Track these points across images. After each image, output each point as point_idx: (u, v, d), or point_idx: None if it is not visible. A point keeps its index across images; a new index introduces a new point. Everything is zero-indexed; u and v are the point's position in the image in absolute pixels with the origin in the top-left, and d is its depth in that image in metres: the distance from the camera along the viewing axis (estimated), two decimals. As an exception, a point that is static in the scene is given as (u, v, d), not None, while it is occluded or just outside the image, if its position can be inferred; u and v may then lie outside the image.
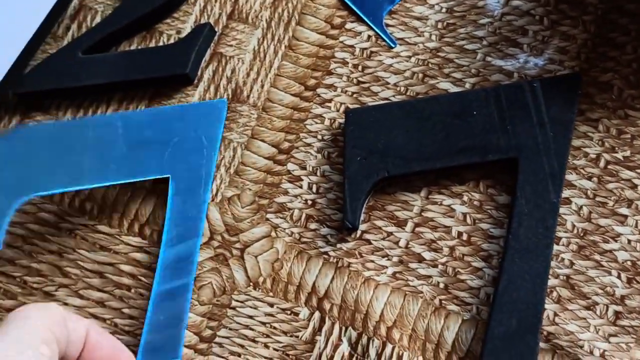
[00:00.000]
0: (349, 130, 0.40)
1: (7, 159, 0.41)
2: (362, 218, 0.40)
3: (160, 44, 0.46)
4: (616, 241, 0.39)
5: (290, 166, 0.43)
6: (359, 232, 0.41)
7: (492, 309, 0.37)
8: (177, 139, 0.41)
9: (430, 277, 0.40)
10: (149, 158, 0.41)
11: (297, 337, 0.40)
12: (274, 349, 0.40)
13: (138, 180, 0.41)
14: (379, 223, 0.41)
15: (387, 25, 0.44)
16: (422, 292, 0.40)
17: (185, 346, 0.40)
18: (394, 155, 0.39)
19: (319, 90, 0.44)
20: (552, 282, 0.38)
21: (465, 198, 0.41)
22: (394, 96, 0.43)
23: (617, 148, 0.40)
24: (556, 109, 0.39)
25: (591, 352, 0.38)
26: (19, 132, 0.42)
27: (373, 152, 0.40)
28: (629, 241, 0.39)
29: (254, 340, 0.40)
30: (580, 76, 0.40)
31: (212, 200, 0.43)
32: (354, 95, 0.43)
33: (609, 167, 0.40)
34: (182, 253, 0.39)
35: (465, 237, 0.40)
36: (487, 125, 0.39)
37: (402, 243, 0.40)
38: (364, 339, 0.39)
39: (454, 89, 0.42)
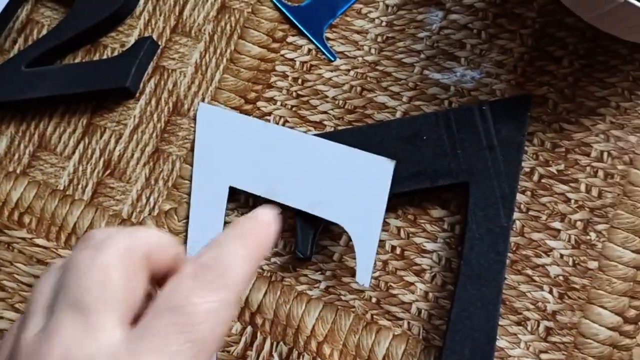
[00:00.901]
0: None
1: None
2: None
3: (105, 57, 0.46)
4: (549, 255, 0.39)
5: (227, 179, 0.42)
6: (293, 246, 0.40)
7: (446, 337, 0.36)
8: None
9: (362, 291, 0.40)
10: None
11: (228, 352, 0.39)
12: (206, 364, 0.39)
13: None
14: (313, 237, 0.41)
15: (328, 38, 0.44)
16: (354, 307, 0.39)
17: None
18: None
19: (259, 104, 0.44)
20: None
21: (399, 212, 0.40)
22: (332, 109, 0.43)
23: (551, 162, 0.40)
24: (506, 132, 0.39)
25: (520, 369, 0.37)
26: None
27: None
28: (562, 255, 0.39)
29: (185, 355, 0.39)
30: (530, 98, 0.40)
31: (149, 214, 0.42)
32: (293, 109, 0.43)
33: (542, 180, 0.40)
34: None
35: (398, 251, 0.40)
36: (437, 149, 0.39)
37: (336, 257, 0.40)
38: (295, 354, 0.39)
39: (391, 102, 0.42)
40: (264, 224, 0.27)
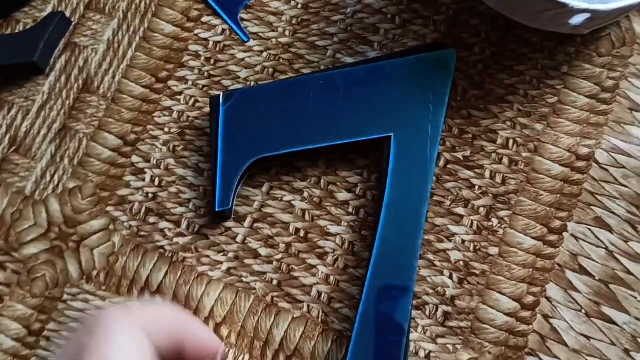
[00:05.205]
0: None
1: (234, 121, 0.39)
2: (234, 204, 0.40)
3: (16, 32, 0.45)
4: (450, 241, 0.38)
5: (134, 158, 0.42)
6: (196, 227, 0.40)
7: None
8: (400, 95, 0.38)
9: (264, 273, 0.39)
10: (370, 116, 0.38)
11: (126, 332, 0.38)
12: (102, 344, 0.38)
13: (360, 140, 0.39)
14: (218, 218, 0.40)
15: (242, 19, 0.44)
16: (255, 289, 0.39)
17: (13, 339, 0.39)
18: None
19: (170, 83, 0.43)
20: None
21: (305, 194, 0.40)
22: (243, 90, 0.42)
23: (457, 148, 0.40)
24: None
25: (416, 353, 0.37)
26: (243, 94, 0.40)
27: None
28: (463, 241, 0.38)
29: (81, 335, 0.39)
30: (455, 52, 0.39)
31: (53, 191, 0.41)
32: (204, 89, 0.42)
33: (448, 166, 0.40)
34: (406, 226, 0.37)
35: (302, 233, 0.39)
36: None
37: (239, 239, 0.40)
38: (192, 336, 0.38)
39: (302, 84, 0.42)
40: None
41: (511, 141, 0.40)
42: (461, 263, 0.38)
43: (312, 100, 0.39)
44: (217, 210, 0.38)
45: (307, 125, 0.39)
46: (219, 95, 0.39)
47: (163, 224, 0.40)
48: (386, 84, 0.38)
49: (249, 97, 0.40)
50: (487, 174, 0.39)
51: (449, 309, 0.37)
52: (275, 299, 0.38)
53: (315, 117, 0.39)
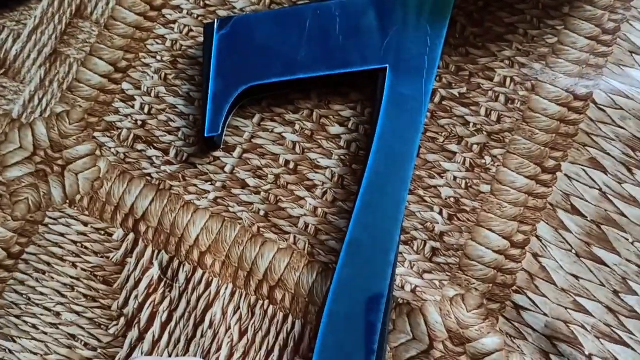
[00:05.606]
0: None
1: (228, 48, 0.39)
2: (223, 133, 0.39)
3: (10, -44, 0.44)
4: (442, 177, 0.38)
5: (124, 85, 0.41)
6: (185, 155, 0.39)
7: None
8: (397, 27, 0.38)
9: (251, 204, 0.38)
10: (366, 47, 0.38)
11: (107, 258, 0.38)
12: (82, 269, 0.38)
13: (353, 70, 0.38)
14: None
15: (241, -50, 0.43)
16: (241, 219, 0.38)
17: (-7, 261, 0.38)
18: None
19: (164, 11, 0.42)
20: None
21: (297, 127, 0.39)
22: (238, 21, 0.41)
23: (454, 84, 0.39)
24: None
25: (402, 287, 0.36)
26: (238, 22, 0.39)
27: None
28: (455, 178, 0.38)
29: (62, 259, 0.38)
30: None
31: (41, 115, 0.41)
32: (199, 18, 0.42)
33: (443, 103, 0.39)
34: (397, 158, 0.36)
35: (292, 165, 0.39)
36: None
37: (227, 168, 0.39)
38: (175, 264, 0.37)
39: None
40: None
41: (508, 79, 0.39)
42: (452, 199, 0.37)
43: (308, 29, 0.38)
44: (206, 136, 0.37)
45: (302, 54, 0.38)
46: (214, 21, 0.38)
47: (151, 152, 0.39)
48: (384, 15, 0.38)
49: (244, 25, 0.39)
50: (483, 111, 0.38)
51: (438, 244, 0.37)
52: (261, 229, 0.38)
53: (310, 47, 0.38)
